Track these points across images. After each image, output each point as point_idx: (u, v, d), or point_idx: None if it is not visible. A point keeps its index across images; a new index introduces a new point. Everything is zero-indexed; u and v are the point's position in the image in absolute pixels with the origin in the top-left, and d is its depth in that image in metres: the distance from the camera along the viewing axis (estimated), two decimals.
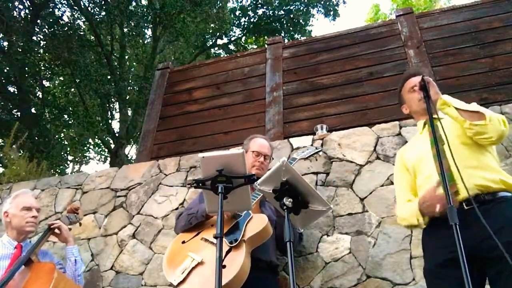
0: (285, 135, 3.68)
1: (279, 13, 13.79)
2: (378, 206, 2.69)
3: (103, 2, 9.88)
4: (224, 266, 1.80)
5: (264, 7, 13.81)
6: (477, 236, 1.52)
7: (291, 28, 13.90)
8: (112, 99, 11.27)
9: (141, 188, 3.48)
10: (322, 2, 13.48)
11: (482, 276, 1.59)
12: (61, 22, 10.01)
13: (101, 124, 11.26)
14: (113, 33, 10.79)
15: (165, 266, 2.06)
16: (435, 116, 1.67)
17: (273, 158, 2.69)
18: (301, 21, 13.67)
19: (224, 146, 3.76)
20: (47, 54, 9.98)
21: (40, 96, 11.18)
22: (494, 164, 1.74)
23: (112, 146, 11.50)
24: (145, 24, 10.80)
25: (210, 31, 13.38)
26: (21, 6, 9.88)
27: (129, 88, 11.16)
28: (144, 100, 9.34)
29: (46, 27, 9.79)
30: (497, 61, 3.49)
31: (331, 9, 13.60)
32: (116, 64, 11.10)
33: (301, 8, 13.60)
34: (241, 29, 14.45)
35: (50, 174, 8.16)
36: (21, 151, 6.88)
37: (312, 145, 3.12)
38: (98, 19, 10.13)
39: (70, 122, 12.03)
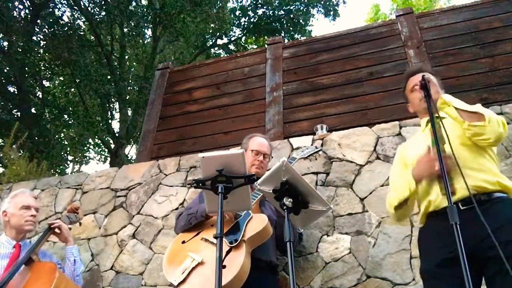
0: (285, 135, 3.68)
1: (279, 13, 13.80)
2: (378, 206, 2.68)
3: (103, 2, 9.88)
4: (224, 266, 1.80)
5: (264, 7, 13.81)
6: (476, 236, 1.52)
7: (291, 28, 13.90)
8: (112, 99, 11.27)
9: (141, 188, 3.48)
10: (322, 2, 13.48)
11: (479, 276, 1.59)
12: (61, 22, 10.02)
13: (101, 124, 11.26)
14: (113, 33, 10.79)
15: (165, 266, 2.06)
16: (437, 115, 1.67)
17: (272, 157, 2.69)
18: (301, 21, 13.67)
19: (224, 146, 3.76)
20: (47, 54, 9.99)
21: (40, 96, 11.19)
22: (492, 167, 1.73)
23: (112, 146, 11.50)
24: (145, 24, 10.80)
25: (210, 31, 13.38)
26: (21, 6, 9.90)
27: (129, 88, 11.16)
28: (144, 100, 9.34)
29: (46, 27, 9.80)
30: (497, 61, 3.50)
31: (331, 9, 13.60)
32: (116, 64, 11.10)
33: (301, 8, 13.61)
34: (241, 29, 14.46)
35: (50, 174, 8.16)
36: (21, 151, 6.88)
37: (312, 145, 3.12)
38: (98, 19, 10.13)
39: (70, 122, 12.03)
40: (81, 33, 10.56)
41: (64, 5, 10.45)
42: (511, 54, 3.49)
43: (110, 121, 11.65)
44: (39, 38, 9.94)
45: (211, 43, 14.36)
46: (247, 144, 2.54)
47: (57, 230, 2.54)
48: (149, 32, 12.09)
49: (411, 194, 1.76)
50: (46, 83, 11.96)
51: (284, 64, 4.23)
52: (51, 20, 9.81)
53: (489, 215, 1.48)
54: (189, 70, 4.85)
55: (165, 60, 11.78)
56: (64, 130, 12.61)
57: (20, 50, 9.05)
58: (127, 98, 10.97)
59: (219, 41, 14.65)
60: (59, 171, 11.56)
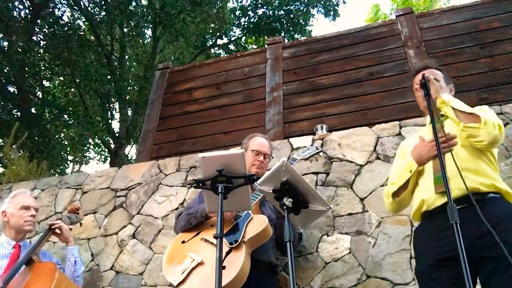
0: (285, 135, 3.67)
1: (279, 13, 13.80)
2: (378, 206, 2.68)
3: (103, 2, 9.88)
4: (224, 267, 1.80)
5: (264, 7, 13.81)
6: (471, 236, 1.51)
7: (291, 28, 13.90)
8: (112, 99, 11.29)
9: (141, 188, 3.48)
10: (322, 2, 13.48)
11: (473, 276, 1.59)
12: (61, 22, 10.03)
13: (101, 124, 11.26)
14: (113, 33, 10.79)
15: (164, 266, 2.05)
16: (440, 113, 1.68)
17: (272, 157, 2.69)
18: (301, 21, 13.68)
19: (224, 146, 3.76)
20: (47, 54, 9.98)
21: (40, 96, 11.19)
22: (489, 169, 1.73)
23: (112, 146, 11.50)
24: (145, 24, 10.82)
25: (210, 31, 13.38)
26: (21, 6, 9.91)
27: (129, 88, 11.16)
28: (144, 100, 9.35)
29: (46, 27, 9.81)
30: (497, 61, 3.50)
31: (331, 9, 13.61)
32: (116, 64, 11.10)
33: (301, 8, 13.61)
34: (241, 29, 14.46)
35: (50, 174, 8.17)
36: (21, 151, 6.87)
37: (312, 145, 3.12)
38: (98, 19, 10.13)
39: (70, 122, 12.04)
40: (81, 33, 10.57)
41: (64, 5, 10.48)
42: (511, 54, 3.49)
43: (110, 121, 11.66)
44: (39, 38, 9.97)
45: (211, 43, 14.37)
46: (247, 144, 2.53)
47: (57, 231, 2.53)
48: (149, 32, 12.13)
49: (412, 175, 1.78)
50: (46, 83, 11.96)
51: (284, 64, 4.23)
52: (51, 20, 9.82)
53: (485, 213, 1.49)
54: (189, 70, 4.84)
55: (165, 60, 11.78)
56: (64, 130, 12.62)
57: (20, 50, 9.04)
58: (127, 98, 10.97)
59: (219, 41, 14.68)
60: (59, 171, 11.56)
